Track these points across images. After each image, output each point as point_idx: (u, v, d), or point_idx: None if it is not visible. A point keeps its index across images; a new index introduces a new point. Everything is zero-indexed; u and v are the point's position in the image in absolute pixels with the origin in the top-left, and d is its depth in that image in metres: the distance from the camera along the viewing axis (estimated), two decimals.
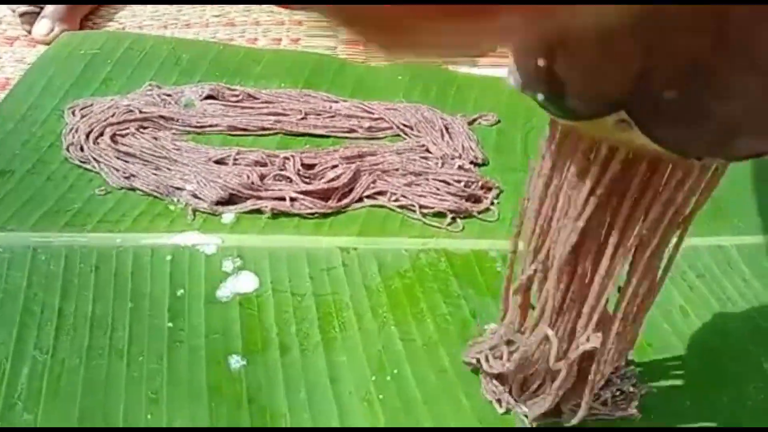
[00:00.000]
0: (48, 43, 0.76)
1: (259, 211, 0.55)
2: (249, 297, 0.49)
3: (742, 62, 0.21)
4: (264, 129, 0.63)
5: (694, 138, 0.24)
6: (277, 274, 0.50)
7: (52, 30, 0.79)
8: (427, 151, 0.61)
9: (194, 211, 0.55)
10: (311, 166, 0.58)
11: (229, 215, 0.55)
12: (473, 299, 0.50)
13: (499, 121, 0.67)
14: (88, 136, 0.59)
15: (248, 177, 0.55)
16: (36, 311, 0.46)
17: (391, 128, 0.64)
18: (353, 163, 0.58)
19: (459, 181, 0.57)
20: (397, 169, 0.58)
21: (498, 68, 0.81)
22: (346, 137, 0.63)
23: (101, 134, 0.59)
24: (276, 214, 0.55)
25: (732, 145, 0.25)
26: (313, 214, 0.55)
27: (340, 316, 0.48)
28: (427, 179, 0.58)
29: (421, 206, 0.56)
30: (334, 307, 0.49)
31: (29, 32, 0.81)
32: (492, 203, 0.58)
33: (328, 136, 0.63)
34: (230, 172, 0.56)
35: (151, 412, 0.41)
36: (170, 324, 0.46)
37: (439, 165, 0.59)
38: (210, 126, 0.63)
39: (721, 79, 0.22)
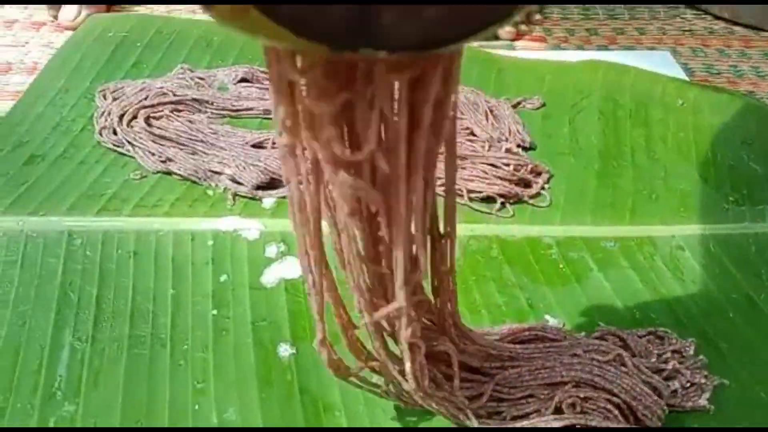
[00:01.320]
0: (75, 28, 0.75)
1: None
2: (295, 283, 0.47)
3: None
4: None
5: (324, 16, 0.19)
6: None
7: (78, 14, 0.78)
8: (472, 134, 0.59)
9: (234, 195, 0.52)
10: None
11: (269, 200, 0.52)
12: (528, 288, 0.47)
13: (543, 105, 0.65)
14: (121, 119, 0.57)
15: None
16: (73, 298, 0.44)
17: None
18: None
19: (508, 165, 0.55)
20: (442, 153, 0.55)
21: (537, 51, 0.79)
22: None
23: (134, 117, 0.57)
24: None
25: (374, 24, 0.19)
26: None
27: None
28: (474, 163, 0.55)
29: (468, 191, 0.53)
30: None
31: (55, 17, 0.79)
32: (542, 188, 0.55)
33: None
34: (270, 155, 0.54)
35: (198, 403, 0.39)
36: (215, 311, 0.44)
37: (486, 148, 0.57)
38: (246, 110, 0.61)
39: None
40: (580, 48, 0.80)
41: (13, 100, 0.65)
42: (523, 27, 0.81)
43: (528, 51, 0.77)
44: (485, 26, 0.21)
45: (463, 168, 0.55)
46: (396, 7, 0.19)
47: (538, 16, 0.84)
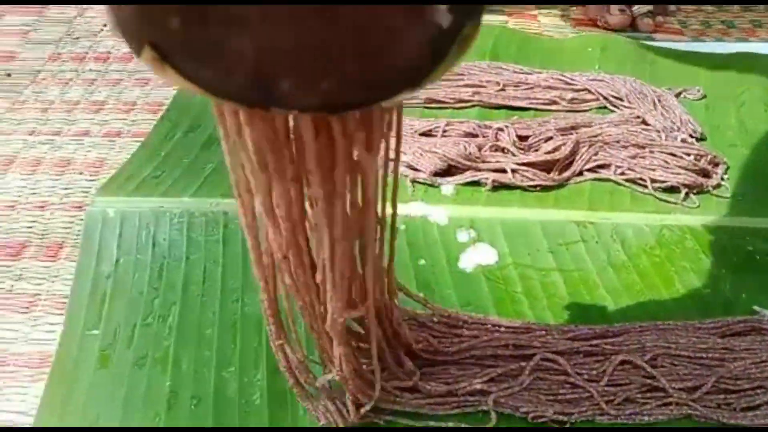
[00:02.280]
0: None
1: (477, 183, 0.53)
2: (491, 269, 0.47)
3: None
4: (461, 101, 0.61)
5: (226, 75, 0.21)
6: (514, 247, 0.48)
7: None
8: (644, 122, 0.58)
9: (412, 181, 0.53)
10: (525, 138, 0.55)
11: (448, 186, 0.53)
12: (729, 279, 0.46)
13: (704, 96, 0.63)
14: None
15: (465, 148, 0.53)
16: None
17: (596, 100, 0.61)
18: (569, 134, 0.55)
19: (688, 155, 0.54)
20: (617, 141, 0.55)
21: (678, 43, 0.77)
22: (548, 109, 0.60)
23: None
24: (496, 186, 0.53)
25: (275, 92, 0.21)
26: (535, 186, 0.53)
27: (593, 294, 0.45)
28: (652, 152, 0.54)
29: (651, 180, 0.53)
30: (583, 285, 0.46)
31: None
32: (722, 178, 0.54)
33: (528, 108, 0.61)
34: (445, 143, 0.54)
35: None
36: (421, 293, 0.44)
37: (663, 137, 0.56)
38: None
39: (216, 10, 0.19)
40: (719, 40, 0.78)
41: (168, 87, 0.67)
42: (659, 18, 0.80)
43: (669, 43, 0.76)
44: (384, 97, 0.22)
45: (642, 157, 0.54)
46: (290, 79, 0.20)
47: (673, 8, 0.83)
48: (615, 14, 0.77)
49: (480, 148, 0.54)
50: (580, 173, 0.54)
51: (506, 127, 0.55)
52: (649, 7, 0.78)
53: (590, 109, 0.61)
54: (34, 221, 0.54)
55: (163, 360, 0.41)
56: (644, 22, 0.77)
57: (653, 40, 0.77)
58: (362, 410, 0.37)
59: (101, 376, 0.41)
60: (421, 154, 0.53)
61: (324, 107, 0.22)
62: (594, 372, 0.41)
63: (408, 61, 0.21)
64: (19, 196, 0.56)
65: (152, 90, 0.67)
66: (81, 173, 0.58)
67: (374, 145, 0.26)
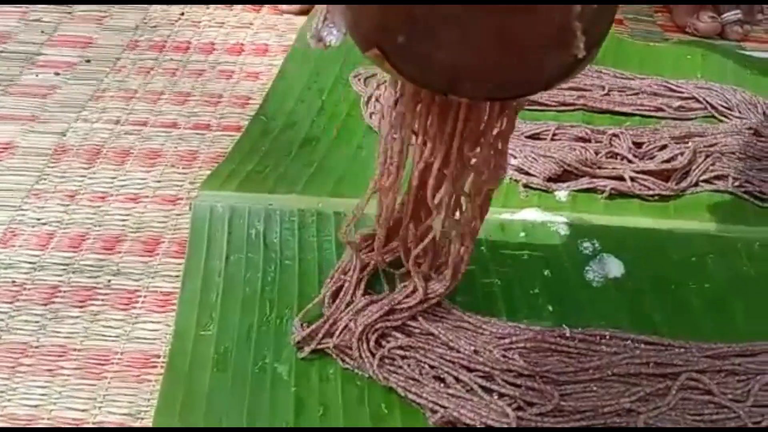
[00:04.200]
0: (294, 13, 0.74)
1: (592, 190, 0.51)
2: (621, 281, 0.45)
3: (444, 17, 0.27)
4: (564, 104, 0.59)
5: (428, 74, 0.30)
6: (641, 258, 0.46)
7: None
8: (757, 134, 0.56)
9: (525, 186, 0.51)
10: (639, 145, 0.53)
11: (562, 192, 0.51)
12: None
13: None
14: (395, 104, 0.56)
15: (582, 153, 0.51)
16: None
17: (703, 109, 0.59)
18: (683, 143, 0.53)
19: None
20: (733, 153, 0.53)
21: None
22: (654, 116, 0.58)
23: None
24: (613, 194, 0.51)
25: (460, 87, 0.30)
26: (653, 195, 0.51)
27: (727, 310, 0.43)
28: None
29: None
30: (716, 299, 0.44)
31: None
32: None
33: (633, 114, 0.59)
34: (561, 147, 0.52)
35: None
36: (550, 307, 0.43)
37: None
38: None
39: (432, 29, 0.27)
40: None
41: (252, 81, 0.65)
42: (747, 27, 0.77)
43: (759, 53, 0.74)
44: (527, 94, 0.32)
45: (760, 169, 0.52)
46: (470, 81, 0.30)
47: (760, 16, 0.81)
48: (705, 21, 0.75)
49: (596, 154, 0.52)
50: (697, 184, 0.52)
51: (621, 133, 0.53)
52: (739, 15, 0.75)
53: (696, 118, 0.59)
54: (128, 214, 0.52)
55: (287, 364, 0.39)
56: (733, 30, 0.75)
57: (743, 49, 0.75)
58: None
59: (221, 380, 0.39)
60: (534, 158, 0.52)
61: (486, 98, 0.33)
62: (738, 392, 0.39)
63: (548, 76, 0.30)
64: (110, 187, 0.55)
65: (237, 83, 0.65)
66: (173, 165, 0.56)
67: (509, 122, 0.36)
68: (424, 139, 0.36)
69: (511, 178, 0.52)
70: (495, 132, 0.35)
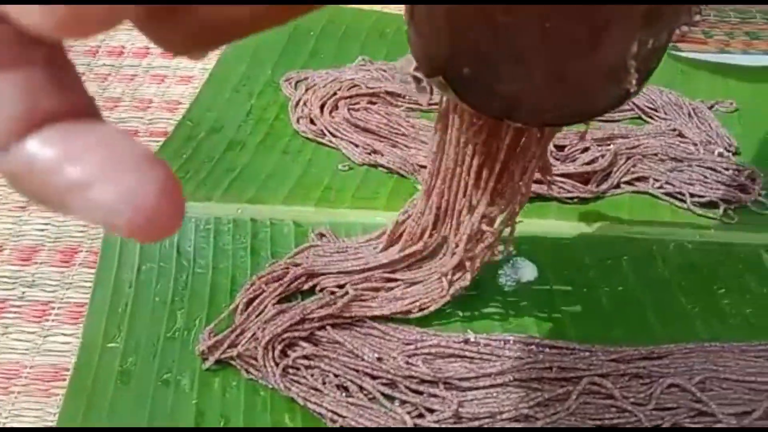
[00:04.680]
0: None
1: None
2: (532, 285, 0.45)
3: (509, 54, 0.28)
4: None
5: (488, 103, 0.32)
6: (555, 262, 0.46)
7: None
8: (681, 135, 0.56)
9: None
10: (561, 148, 0.54)
11: None
12: None
13: (737, 109, 0.62)
14: (321, 108, 0.55)
15: None
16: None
17: (631, 110, 0.59)
18: (605, 145, 0.54)
19: (727, 169, 0.52)
20: (655, 154, 0.53)
21: (704, 54, 0.76)
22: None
23: (335, 108, 0.56)
24: (532, 198, 0.51)
25: (517, 115, 0.32)
26: (572, 198, 0.51)
27: (637, 313, 0.44)
28: (691, 166, 0.53)
29: (690, 194, 0.51)
30: (627, 303, 0.44)
31: None
32: (759, 194, 0.53)
33: None
34: None
35: None
36: (460, 313, 0.43)
37: (700, 151, 0.54)
38: (437, 104, 0.59)
39: (496, 65, 0.29)
40: (745, 52, 0.77)
41: (185, 84, 0.65)
42: (684, 28, 0.78)
43: (694, 53, 0.75)
44: (576, 123, 0.34)
45: (681, 171, 0.53)
46: (527, 110, 0.31)
47: (698, 18, 0.81)
48: None
49: None
50: (618, 185, 0.52)
51: None
52: None
53: (623, 119, 0.59)
54: (47, 224, 0.52)
55: (190, 376, 0.39)
56: None
57: (679, 50, 0.75)
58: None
59: (123, 393, 0.39)
60: None
61: (540, 125, 0.35)
62: (641, 395, 0.39)
63: (600, 107, 0.32)
64: None
65: (169, 87, 0.64)
66: None
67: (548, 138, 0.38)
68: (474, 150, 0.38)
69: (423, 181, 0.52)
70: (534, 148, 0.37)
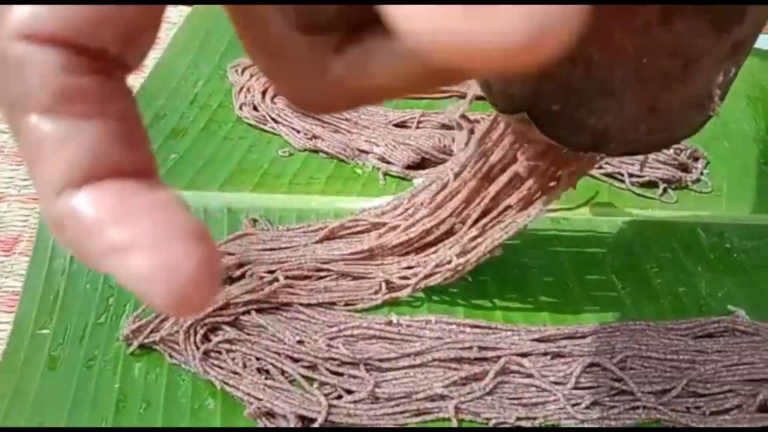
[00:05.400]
0: (188, 4, 0.74)
1: None
2: None
3: (602, 90, 0.28)
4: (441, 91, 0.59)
5: (575, 137, 0.32)
6: None
7: None
8: None
9: (385, 174, 0.51)
10: None
11: (419, 179, 0.51)
12: (705, 277, 0.45)
13: None
14: (263, 95, 0.56)
15: (440, 140, 0.51)
16: None
17: None
18: None
19: (668, 149, 0.52)
20: None
21: None
22: None
23: (277, 94, 0.56)
24: None
25: (604, 146, 0.32)
26: None
27: (566, 293, 0.44)
28: None
29: (629, 174, 0.51)
30: (557, 283, 0.44)
31: None
32: (701, 173, 0.53)
33: None
34: (421, 135, 0.52)
35: None
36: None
37: None
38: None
39: (588, 101, 0.29)
40: None
41: (136, 74, 0.65)
42: None
43: None
44: (667, 147, 0.37)
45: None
46: (615, 144, 0.32)
47: None
48: None
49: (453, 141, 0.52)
50: None
51: (483, 118, 0.54)
52: None
53: None
54: None
55: (114, 361, 0.40)
56: None
57: None
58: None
59: (50, 378, 0.39)
60: (395, 147, 0.52)
61: (622, 154, 0.35)
62: (561, 374, 0.39)
63: (682, 134, 0.32)
64: None
65: None
66: None
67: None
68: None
69: (373, 167, 0.52)
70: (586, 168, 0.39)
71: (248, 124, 0.55)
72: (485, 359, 0.39)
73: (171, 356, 0.40)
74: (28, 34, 0.13)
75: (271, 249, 0.44)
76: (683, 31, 0.26)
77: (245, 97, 0.57)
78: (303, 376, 0.38)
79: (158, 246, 0.13)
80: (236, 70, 0.60)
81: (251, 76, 0.58)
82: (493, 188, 0.39)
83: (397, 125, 0.55)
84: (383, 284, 0.42)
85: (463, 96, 0.59)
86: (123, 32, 0.13)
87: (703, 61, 0.27)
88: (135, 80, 0.65)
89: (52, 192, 0.13)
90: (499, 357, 0.39)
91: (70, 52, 0.13)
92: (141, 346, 0.40)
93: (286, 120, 0.54)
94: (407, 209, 0.43)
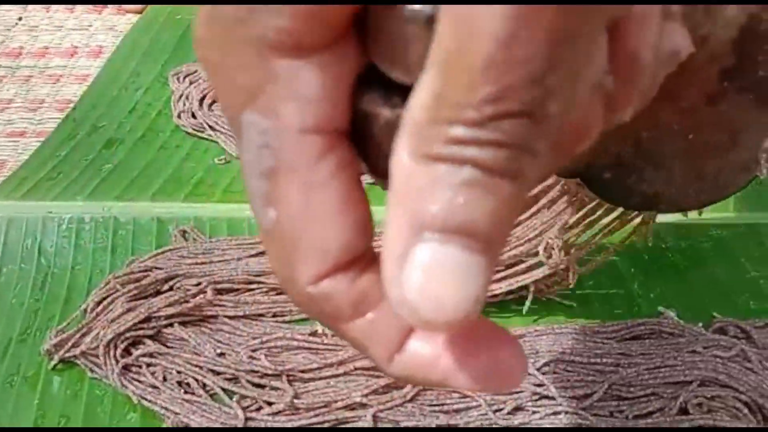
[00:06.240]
0: (137, 12, 0.73)
1: None
2: None
3: (652, 162, 0.31)
4: None
5: (627, 200, 0.34)
6: None
7: None
8: None
9: None
10: None
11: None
12: (638, 278, 0.45)
13: None
14: (201, 102, 0.55)
15: None
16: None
17: None
18: None
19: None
20: None
21: None
22: None
23: (215, 101, 0.55)
24: None
25: (654, 208, 0.34)
26: None
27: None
28: None
29: None
30: None
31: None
32: None
33: None
34: None
35: None
36: None
37: None
38: None
39: (638, 170, 0.31)
40: None
41: (80, 84, 0.64)
42: None
43: None
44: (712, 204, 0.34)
45: None
46: (666, 206, 0.33)
47: None
48: None
49: None
50: None
51: None
52: None
53: None
54: None
55: (35, 377, 0.39)
56: None
57: None
58: None
59: None
60: None
61: (674, 212, 0.36)
62: None
63: (728, 194, 0.33)
64: None
65: (63, 87, 0.64)
66: None
67: None
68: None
69: None
70: None
71: (186, 132, 0.55)
72: None
73: (92, 371, 0.39)
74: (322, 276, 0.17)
75: (203, 263, 0.44)
76: (728, 110, 0.28)
77: (184, 104, 0.56)
78: (224, 389, 0.38)
79: (471, 359, 0.17)
80: (177, 78, 0.60)
81: (190, 83, 0.58)
82: None
83: None
84: None
85: None
86: None
87: (749, 131, 0.30)
88: (80, 88, 0.64)
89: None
90: None
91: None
92: (63, 361, 0.40)
93: (224, 127, 0.54)
94: None
